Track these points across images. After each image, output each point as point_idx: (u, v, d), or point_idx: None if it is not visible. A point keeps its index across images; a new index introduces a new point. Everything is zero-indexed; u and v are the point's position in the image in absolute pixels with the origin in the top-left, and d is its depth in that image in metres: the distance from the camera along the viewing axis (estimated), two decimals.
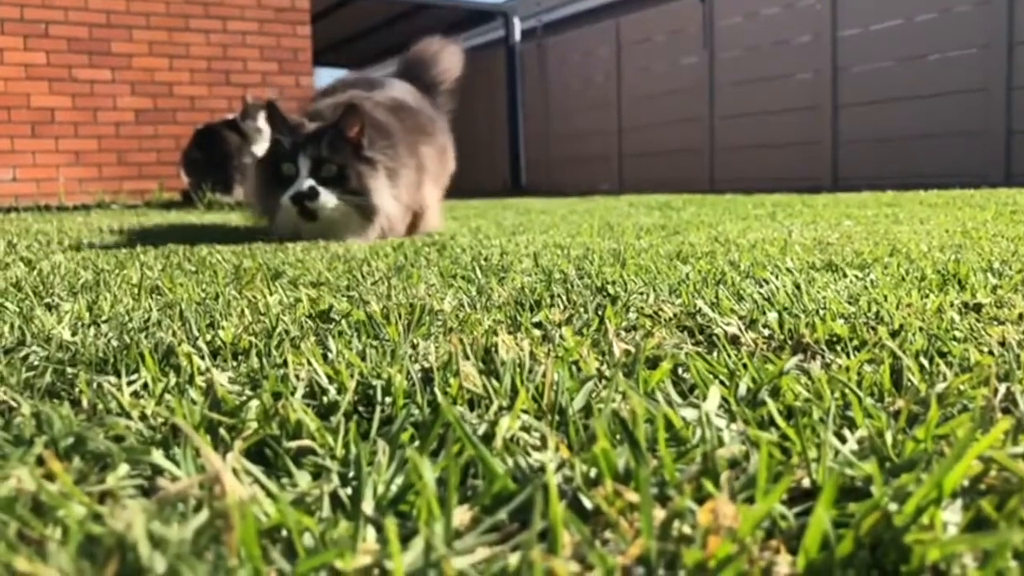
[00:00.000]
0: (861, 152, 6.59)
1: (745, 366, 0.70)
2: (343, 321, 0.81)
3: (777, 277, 1.18)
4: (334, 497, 0.46)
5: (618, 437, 0.52)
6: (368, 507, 0.45)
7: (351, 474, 0.49)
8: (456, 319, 0.88)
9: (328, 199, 2.13)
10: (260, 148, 5.51)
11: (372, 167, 2.20)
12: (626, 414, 0.57)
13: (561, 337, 0.78)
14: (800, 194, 5.08)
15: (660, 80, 8.23)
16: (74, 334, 0.78)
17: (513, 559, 0.38)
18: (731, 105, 7.57)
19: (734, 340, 0.81)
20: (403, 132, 2.34)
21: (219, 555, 0.34)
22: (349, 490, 0.47)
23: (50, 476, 0.44)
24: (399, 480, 0.47)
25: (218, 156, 5.30)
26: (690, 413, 0.56)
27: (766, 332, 0.85)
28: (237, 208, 4.56)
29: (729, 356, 0.73)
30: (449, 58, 2.84)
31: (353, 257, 1.64)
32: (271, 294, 1.04)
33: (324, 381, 0.60)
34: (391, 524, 0.36)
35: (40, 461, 0.45)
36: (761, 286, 1.11)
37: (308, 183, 2.12)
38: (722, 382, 0.65)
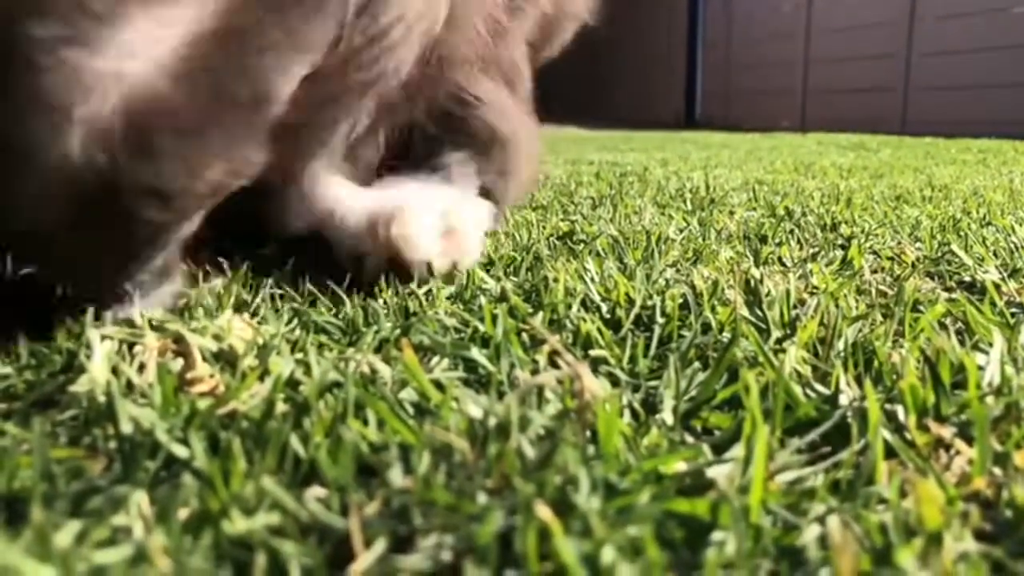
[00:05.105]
0: None
1: (1014, 315, 0.67)
2: (595, 243, 0.84)
3: (1023, 226, 1.11)
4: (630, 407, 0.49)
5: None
6: (668, 418, 0.48)
7: (639, 385, 0.52)
8: (691, 249, 0.88)
9: None
10: None
11: None
12: (900, 356, 0.57)
13: (811, 273, 0.77)
14: (1010, 139, 4.66)
15: (854, 10, 7.67)
16: None
17: (823, 478, 0.39)
18: (934, 41, 6.96)
19: (995, 289, 0.77)
20: None
21: (575, 444, 0.37)
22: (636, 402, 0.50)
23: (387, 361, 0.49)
24: (688, 395, 0.50)
25: None
26: (976, 358, 0.55)
27: None
28: None
29: (995, 304, 0.70)
30: None
31: (553, 182, 1.67)
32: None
33: (596, 297, 0.63)
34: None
35: (378, 348, 0.51)
36: (1007, 235, 1.04)
37: None
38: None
